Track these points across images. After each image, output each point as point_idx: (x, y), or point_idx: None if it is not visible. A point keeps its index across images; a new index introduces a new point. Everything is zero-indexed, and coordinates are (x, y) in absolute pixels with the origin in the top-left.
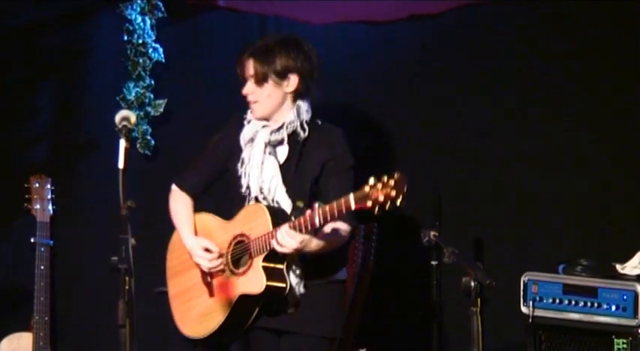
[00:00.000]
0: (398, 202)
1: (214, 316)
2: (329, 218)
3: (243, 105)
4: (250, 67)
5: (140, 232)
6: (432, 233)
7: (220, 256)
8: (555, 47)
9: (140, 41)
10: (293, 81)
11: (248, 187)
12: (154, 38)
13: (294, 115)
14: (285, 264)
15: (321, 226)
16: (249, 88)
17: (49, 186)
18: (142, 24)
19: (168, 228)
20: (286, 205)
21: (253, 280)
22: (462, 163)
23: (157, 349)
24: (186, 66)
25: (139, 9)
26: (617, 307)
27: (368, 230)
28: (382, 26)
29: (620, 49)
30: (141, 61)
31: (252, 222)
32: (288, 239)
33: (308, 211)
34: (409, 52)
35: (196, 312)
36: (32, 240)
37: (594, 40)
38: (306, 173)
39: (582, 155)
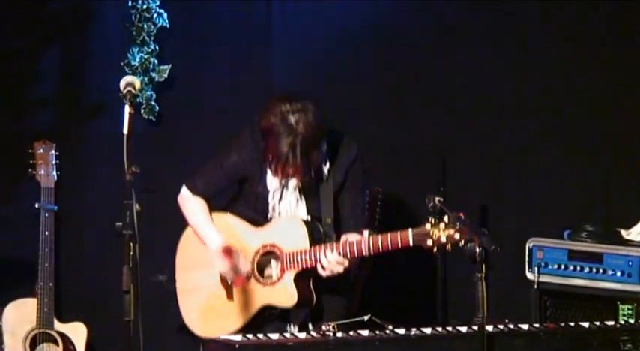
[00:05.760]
0: (460, 244)
1: (231, 321)
2: (380, 249)
3: (246, 70)
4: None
5: (144, 198)
6: (437, 199)
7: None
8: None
9: (144, 6)
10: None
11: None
12: (158, 3)
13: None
14: (312, 278)
15: (371, 256)
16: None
17: (53, 152)
18: None
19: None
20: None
21: (283, 294)
22: (466, 129)
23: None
24: (190, 31)
25: None
26: (623, 273)
27: (373, 195)
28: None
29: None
30: (145, 26)
31: (288, 235)
32: (335, 266)
33: (356, 239)
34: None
35: (209, 312)
36: (37, 206)
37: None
38: (331, 189)
39: (586, 122)
